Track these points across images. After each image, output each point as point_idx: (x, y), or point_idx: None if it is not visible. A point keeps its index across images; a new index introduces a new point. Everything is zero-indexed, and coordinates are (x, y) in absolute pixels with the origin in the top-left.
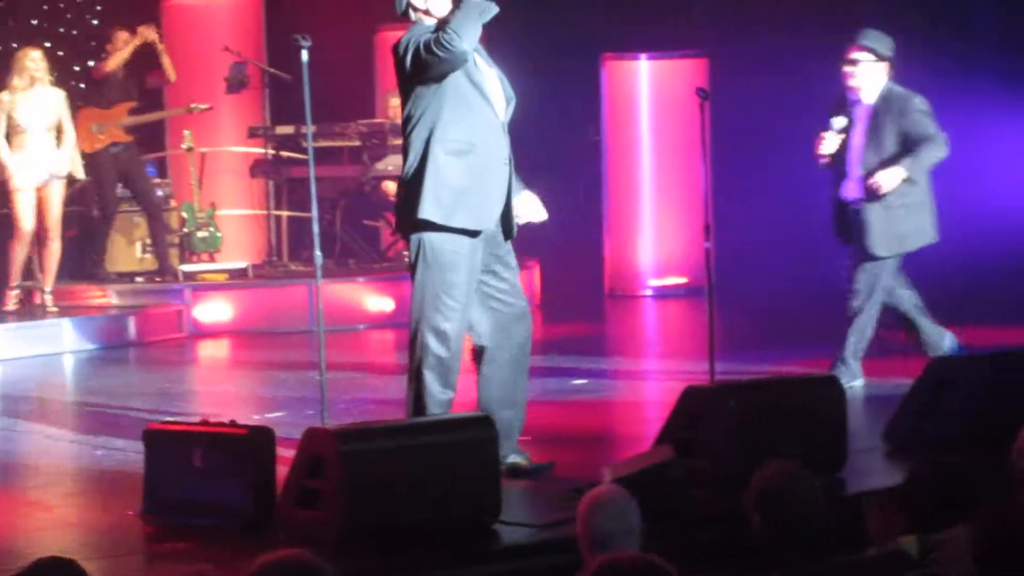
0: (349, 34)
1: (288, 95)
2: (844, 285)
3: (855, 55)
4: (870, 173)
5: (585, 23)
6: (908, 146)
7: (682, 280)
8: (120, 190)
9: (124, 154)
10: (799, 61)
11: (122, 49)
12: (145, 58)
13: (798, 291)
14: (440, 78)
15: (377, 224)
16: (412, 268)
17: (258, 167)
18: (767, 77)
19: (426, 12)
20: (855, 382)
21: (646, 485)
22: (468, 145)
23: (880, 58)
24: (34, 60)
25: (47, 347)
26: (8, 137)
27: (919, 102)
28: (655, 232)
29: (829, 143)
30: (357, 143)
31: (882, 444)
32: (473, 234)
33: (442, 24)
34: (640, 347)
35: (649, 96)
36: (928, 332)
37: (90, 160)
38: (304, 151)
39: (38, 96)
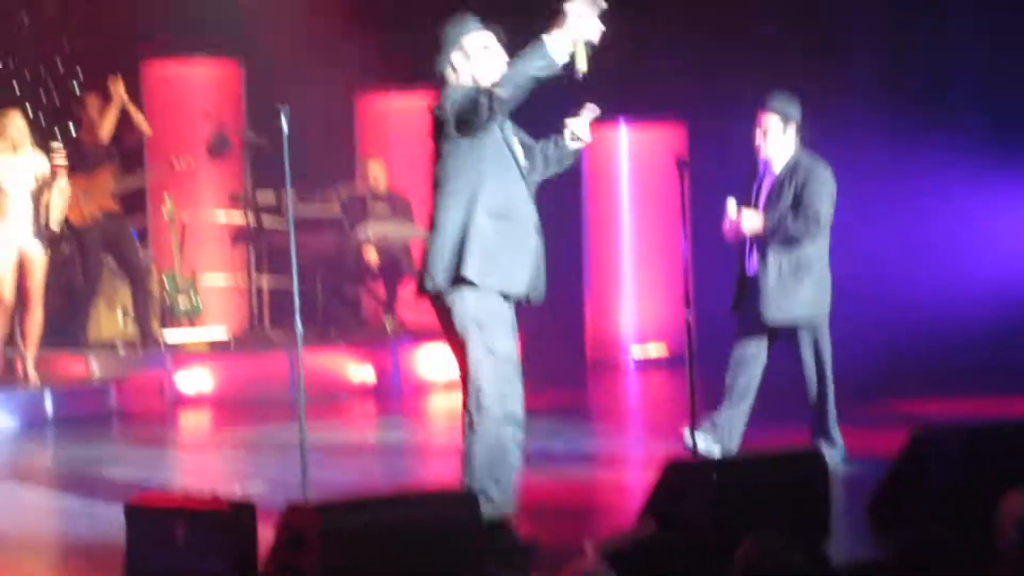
0: (329, 99)
1: (268, 160)
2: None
3: (763, 120)
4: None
5: (561, 89)
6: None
7: (663, 349)
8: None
9: (111, 222)
10: None
11: (95, 113)
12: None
13: (779, 360)
14: (480, 139)
15: (358, 291)
16: (449, 326)
17: (239, 234)
18: (746, 144)
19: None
20: (835, 453)
21: (629, 559)
22: (507, 210)
23: (788, 122)
24: (16, 126)
25: (28, 416)
26: None
27: (825, 175)
28: (636, 300)
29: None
30: (338, 210)
31: (866, 517)
32: (506, 296)
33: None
34: (622, 417)
35: (629, 162)
36: (729, 418)
37: (77, 230)
38: (285, 219)
39: (20, 161)
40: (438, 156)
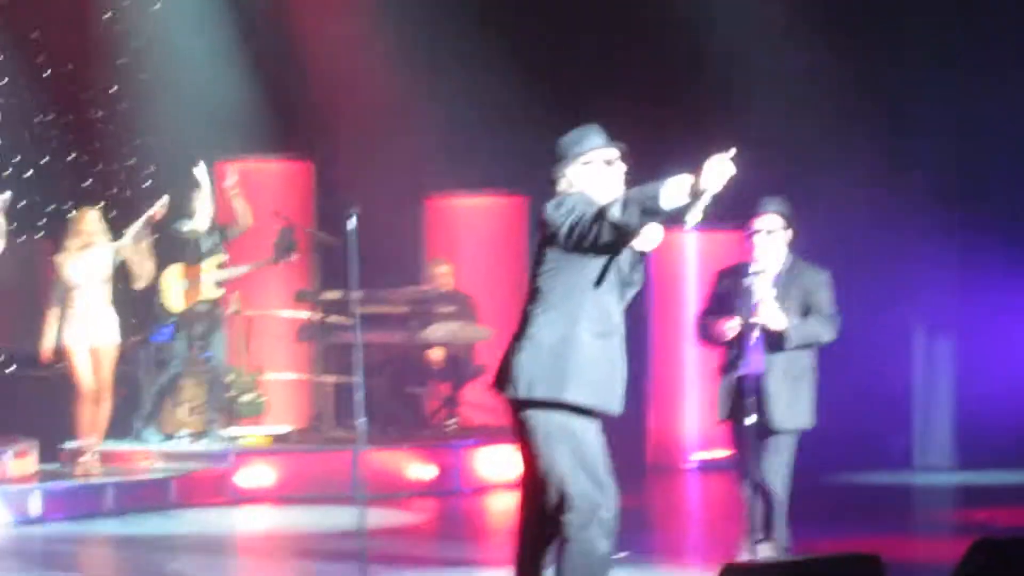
0: (398, 201)
1: (336, 260)
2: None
3: (765, 222)
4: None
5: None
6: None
7: (726, 453)
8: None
9: (211, 312)
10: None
11: (196, 204)
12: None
13: (842, 464)
14: (592, 257)
15: (421, 391)
16: (529, 435)
17: (304, 331)
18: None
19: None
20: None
21: None
22: (606, 328)
23: (789, 225)
24: (90, 221)
25: (91, 508)
26: (62, 297)
27: (828, 278)
28: (700, 403)
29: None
30: (404, 310)
31: None
32: (594, 415)
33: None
34: (681, 522)
35: (696, 265)
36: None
37: (178, 318)
38: (351, 316)
39: (91, 255)
40: (542, 262)
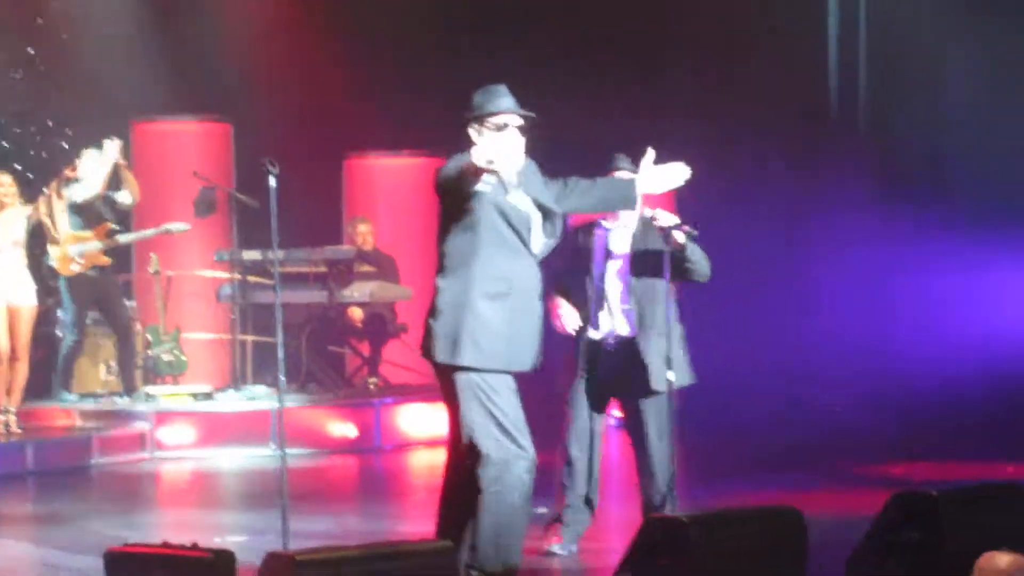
0: (318, 161)
1: (256, 220)
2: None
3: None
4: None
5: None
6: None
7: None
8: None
9: (102, 278)
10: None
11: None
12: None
13: (761, 419)
14: (472, 217)
15: (342, 350)
16: (450, 394)
17: (224, 291)
18: (736, 205)
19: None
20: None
21: None
22: (506, 288)
23: None
24: (3, 184)
25: (10, 467)
26: None
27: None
28: None
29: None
30: (323, 269)
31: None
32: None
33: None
34: (602, 475)
35: None
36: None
37: (68, 283)
38: (271, 276)
39: (5, 218)
40: (440, 232)
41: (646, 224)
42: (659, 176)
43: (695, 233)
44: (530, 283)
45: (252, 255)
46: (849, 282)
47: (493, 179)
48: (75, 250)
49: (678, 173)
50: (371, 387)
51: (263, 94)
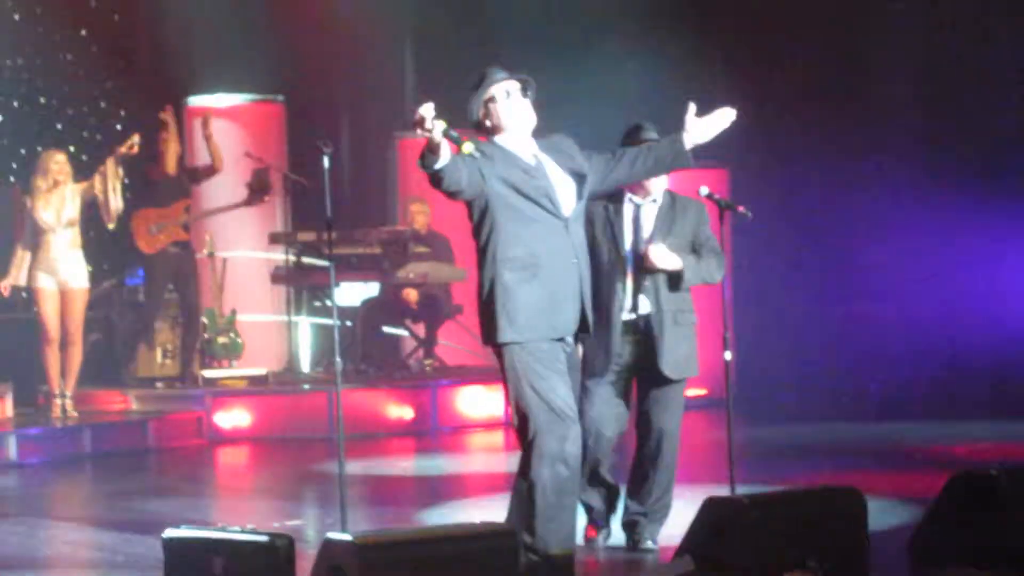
0: (370, 141)
1: (309, 201)
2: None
3: None
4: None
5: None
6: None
7: (702, 392)
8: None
9: (182, 254)
10: (817, 173)
11: (163, 147)
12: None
13: (819, 403)
14: (480, 196)
15: (397, 331)
16: (506, 380)
17: (279, 274)
18: (785, 185)
19: (493, 129)
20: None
21: None
22: (532, 258)
23: None
24: (58, 163)
25: (67, 451)
26: (33, 238)
27: (706, 211)
28: None
29: None
30: (378, 251)
31: (907, 556)
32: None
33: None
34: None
35: None
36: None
37: (148, 261)
38: (326, 258)
39: (59, 197)
40: (468, 211)
41: (674, 200)
42: (704, 125)
43: (749, 215)
44: (559, 249)
45: (306, 236)
46: (901, 261)
47: (470, 147)
48: (156, 227)
49: (723, 117)
50: (427, 369)
51: (315, 71)
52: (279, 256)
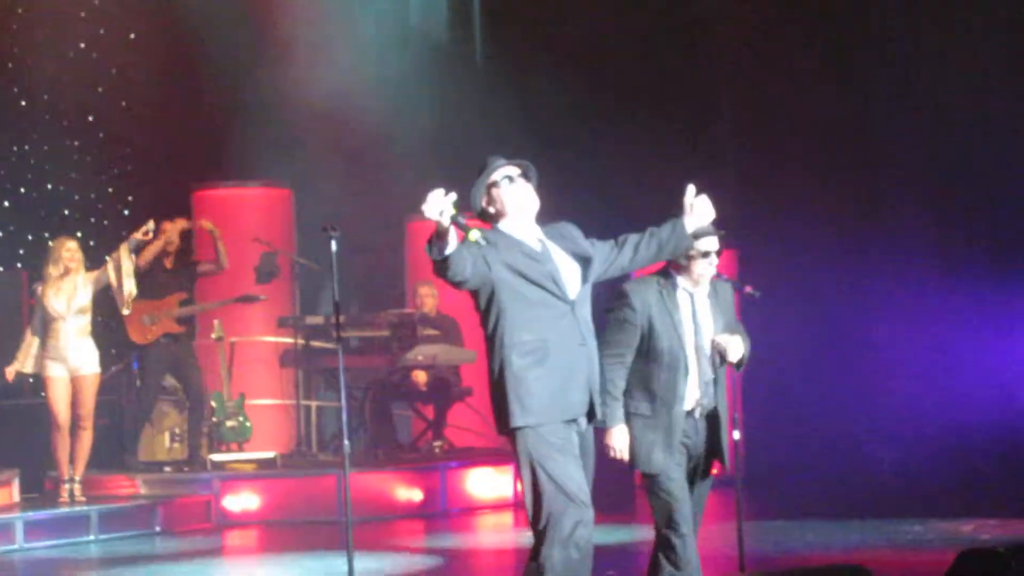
0: (380, 224)
1: (318, 285)
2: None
3: (715, 243)
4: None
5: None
6: None
7: (711, 471)
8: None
9: (175, 345)
10: (826, 250)
11: (162, 241)
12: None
13: (827, 481)
14: (487, 283)
15: (407, 414)
16: (520, 464)
17: (288, 357)
18: (794, 264)
19: (497, 215)
20: None
21: None
22: (540, 342)
23: None
24: (69, 250)
25: (74, 535)
26: (43, 326)
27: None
28: None
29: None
30: (387, 333)
31: None
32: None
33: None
34: None
35: None
36: None
37: (142, 351)
38: (334, 341)
39: (71, 285)
40: (474, 297)
41: (712, 284)
42: (701, 207)
43: (757, 294)
44: (567, 332)
45: (315, 320)
46: (907, 334)
47: (476, 235)
48: (148, 319)
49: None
50: (436, 451)
51: (323, 157)
52: (287, 340)
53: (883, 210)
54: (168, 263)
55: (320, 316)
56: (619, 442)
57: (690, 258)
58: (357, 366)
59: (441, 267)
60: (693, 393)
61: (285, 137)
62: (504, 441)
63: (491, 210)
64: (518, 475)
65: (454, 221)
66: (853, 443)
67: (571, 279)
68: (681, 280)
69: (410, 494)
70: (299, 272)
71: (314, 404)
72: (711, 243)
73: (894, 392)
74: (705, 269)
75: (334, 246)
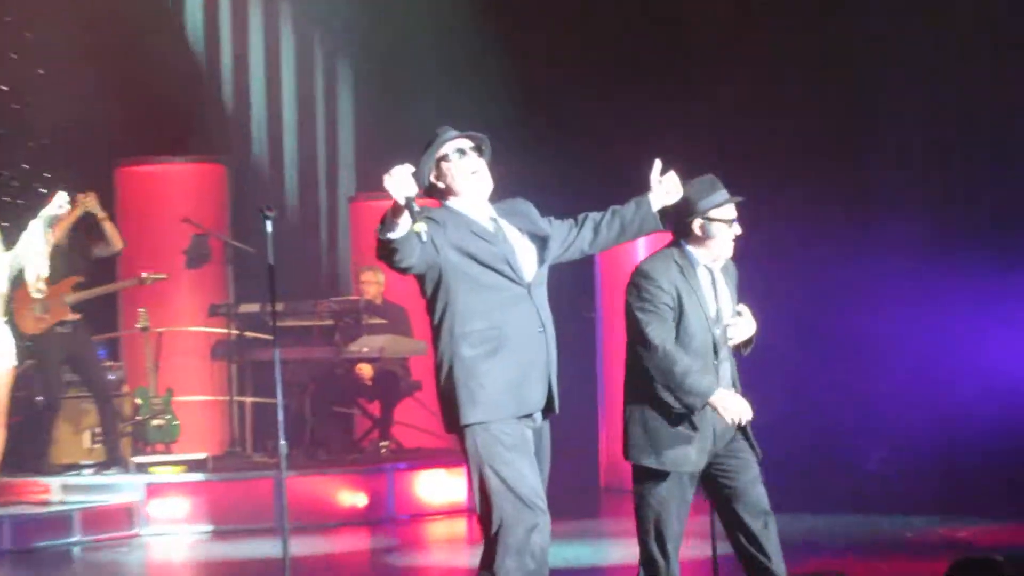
0: (322, 204)
1: (253, 270)
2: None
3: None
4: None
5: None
6: None
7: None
8: (68, 375)
9: (72, 334)
10: (817, 232)
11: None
12: (94, 228)
13: (812, 484)
14: (434, 266)
15: (351, 411)
16: (469, 465)
17: (220, 349)
18: (779, 249)
19: (446, 191)
20: None
21: None
22: (493, 330)
23: None
24: None
25: None
26: None
27: None
28: None
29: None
30: (329, 322)
31: None
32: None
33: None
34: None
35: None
36: None
37: (34, 342)
38: (270, 331)
39: None
40: (420, 282)
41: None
42: (669, 183)
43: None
44: (523, 318)
45: (250, 308)
46: (906, 332)
47: (422, 227)
48: (40, 305)
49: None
50: (383, 451)
51: (258, 132)
52: (220, 330)
53: (876, 191)
54: (62, 244)
55: (255, 304)
56: (728, 401)
57: (711, 228)
58: (296, 359)
59: (387, 250)
60: (723, 381)
61: (219, 110)
62: (457, 442)
63: (440, 185)
64: (469, 477)
65: (407, 204)
66: (841, 437)
67: (527, 260)
68: (700, 254)
69: (354, 499)
70: (232, 256)
71: (248, 400)
72: (732, 210)
73: (887, 388)
74: (727, 242)
75: (269, 228)
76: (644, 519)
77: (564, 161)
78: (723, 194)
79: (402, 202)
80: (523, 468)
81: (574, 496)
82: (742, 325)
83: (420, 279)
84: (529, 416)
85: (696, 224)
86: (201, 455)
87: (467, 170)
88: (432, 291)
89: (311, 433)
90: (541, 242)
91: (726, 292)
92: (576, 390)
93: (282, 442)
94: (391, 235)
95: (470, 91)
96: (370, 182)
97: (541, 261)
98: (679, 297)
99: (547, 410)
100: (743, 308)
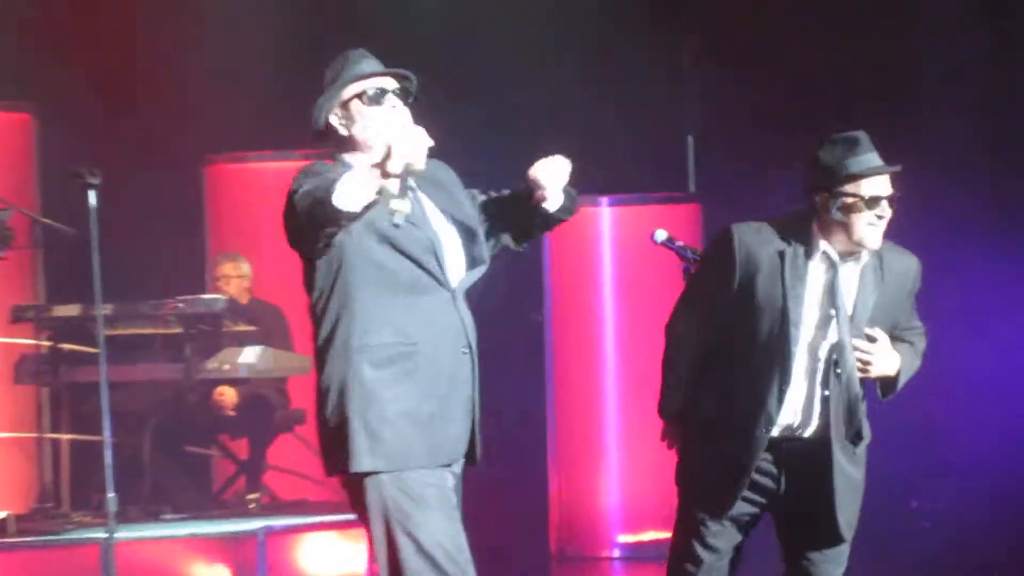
0: (164, 172)
1: (72, 258)
2: None
3: (891, 191)
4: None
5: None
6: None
7: (663, 535)
8: None
9: None
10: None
11: None
12: None
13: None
14: (340, 253)
15: (208, 452)
16: (363, 515)
17: (25, 367)
18: None
19: (350, 143)
20: None
21: None
22: (407, 345)
23: None
24: None
25: None
26: None
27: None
28: (623, 465)
29: None
30: (177, 330)
31: None
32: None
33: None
34: None
35: (612, 254)
36: None
37: None
38: (95, 343)
39: None
40: (306, 276)
41: (881, 259)
42: (550, 164)
43: None
44: (446, 331)
45: (67, 311)
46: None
47: (405, 207)
48: None
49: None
50: (251, 507)
51: (83, 78)
52: (26, 341)
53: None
54: None
55: (74, 306)
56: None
57: (839, 207)
58: (132, 380)
59: (330, 218)
60: (788, 414)
61: (26, 49)
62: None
63: (343, 133)
64: (369, 539)
65: (404, 175)
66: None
67: (453, 256)
68: (824, 243)
69: (211, 571)
70: (44, 239)
71: (65, 438)
72: (882, 185)
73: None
74: (871, 228)
75: (93, 199)
76: None
77: None
78: (867, 159)
79: (398, 170)
80: (439, 525)
81: (517, 566)
82: (876, 356)
83: (309, 271)
84: (447, 465)
85: (820, 199)
86: (1, 514)
87: (387, 120)
88: (325, 286)
89: (152, 482)
90: (469, 235)
91: (854, 300)
92: (520, 424)
93: (111, 495)
94: (353, 206)
95: None
96: (228, 140)
97: (471, 263)
98: (754, 279)
99: (467, 457)
100: (880, 334)
